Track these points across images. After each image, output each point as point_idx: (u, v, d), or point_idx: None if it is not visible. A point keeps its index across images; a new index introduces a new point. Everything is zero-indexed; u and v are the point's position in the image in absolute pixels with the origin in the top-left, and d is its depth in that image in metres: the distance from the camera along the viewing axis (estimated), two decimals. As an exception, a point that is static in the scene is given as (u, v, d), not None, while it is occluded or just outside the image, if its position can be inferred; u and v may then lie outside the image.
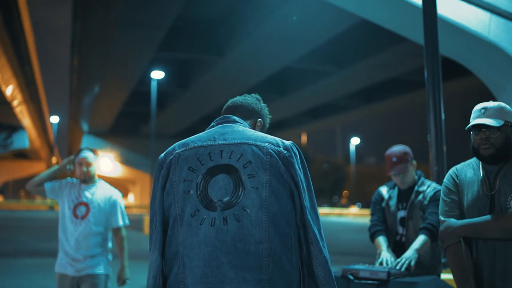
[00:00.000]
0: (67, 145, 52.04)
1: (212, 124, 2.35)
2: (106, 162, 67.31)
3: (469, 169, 2.90)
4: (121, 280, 4.66)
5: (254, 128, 2.41)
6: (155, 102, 26.45)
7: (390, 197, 4.15)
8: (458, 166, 2.97)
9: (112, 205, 4.66)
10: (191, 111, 40.35)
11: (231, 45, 25.55)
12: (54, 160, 56.83)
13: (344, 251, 18.06)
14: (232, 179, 2.08)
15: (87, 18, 24.42)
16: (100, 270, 4.51)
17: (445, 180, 2.95)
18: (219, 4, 22.98)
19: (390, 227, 4.12)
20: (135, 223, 27.78)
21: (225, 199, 2.06)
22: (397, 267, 3.61)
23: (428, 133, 5.38)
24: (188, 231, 2.06)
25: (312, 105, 39.84)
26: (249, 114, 2.43)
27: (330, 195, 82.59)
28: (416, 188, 4.06)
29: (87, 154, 4.62)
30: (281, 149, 2.14)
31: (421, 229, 3.81)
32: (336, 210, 63.34)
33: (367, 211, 48.69)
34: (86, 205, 4.55)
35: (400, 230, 4.06)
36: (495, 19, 10.03)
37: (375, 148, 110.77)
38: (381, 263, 3.79)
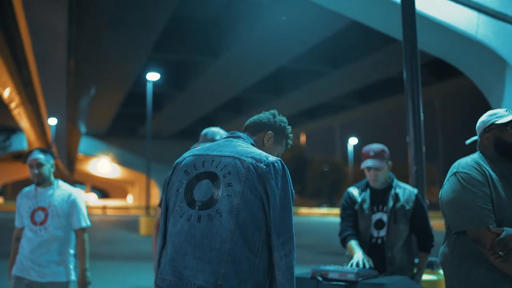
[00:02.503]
0: (65, 146, 51.88)
1: (224, 136, 2.77)
2: (104, 164, 67.34)
3: (485, 165, 2.86)
4: (82, 285, 4.38)
5: (263, 140, 2.76)
6: (151, 104, 26.48)
7: (363, 200, 4.12)
8: (474, 160, 2.89)
9: (71, 206, 4.37)
10: (187, 112, 40.35)
11: (225, 46, 25.56)
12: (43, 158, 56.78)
13: (340, 252, 18.01)
14: (213, 185, 2.44)
15: (82, 20, 24.39)
16: (63, 277, 4.31)
17: (467, 171, 2.82)
18: (212, 5, 22.97)
19: (364, 231, 4.09)
20: (131, 225, 27.81)
21: (204, 201, 2.42)
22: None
23: (407, 133, 5.40)
24: (173, 222, 2.49)
25: (308, 106, 39.85)
26: (258, 129, 2.78)
27: (329, 195, 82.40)
28: (393, 191, 4.06)
29: (38, 155, 4.32)
30: (262, 164, 2.43)
31: (426, 246, 4.04)
32: (335, 210, 63.21)
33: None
34: (44, 209, 4.30)
35: (375, 233, 4.05)
36: (483, 18, 10.05)
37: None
38: (357, 265, 3.77)
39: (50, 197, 4.34)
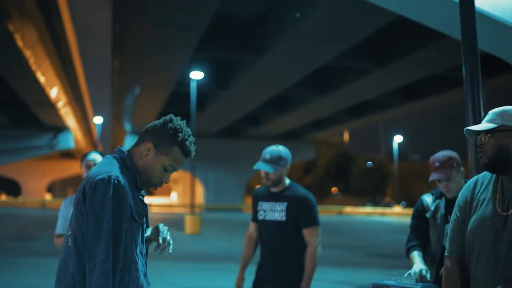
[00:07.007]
0: (111, 145, 52.75)
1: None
2: (149, 162, 68.07)
3: (489, 182, 2.46)
4: None
5: (141, 149, 2.57)
6: (195, 102, 26.66)
7: (437, 208, 3.83)
8: (480, 175, 2.53)
9: None
10: (231, 110, 40.37)
11: (269, 44, 25.40)
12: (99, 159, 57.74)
13: (386, 253, 17.61)
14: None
15: (126, 21, 24.64)
16: None
17: (459, 194, 2.58)
18: (255, 3, 22.84)
19: (436, 241, 3.82)
20: (176, 223, 27.93)
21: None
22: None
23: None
24: None
25: (353, 103, 39.33)
26: (142, 139, 2.60)
27: (373, 193, 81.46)
28: None
29: (95, 157, 4.24)
30: (89, 184, 2.35)
31: None
32: (379, 209, 62.49)
33: (411, 211, 47.68)
34: None
35: None
36: (538, 12, 9.62)
37: (419, 145, 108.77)
38: (409, 274, 3.54)
39: None
